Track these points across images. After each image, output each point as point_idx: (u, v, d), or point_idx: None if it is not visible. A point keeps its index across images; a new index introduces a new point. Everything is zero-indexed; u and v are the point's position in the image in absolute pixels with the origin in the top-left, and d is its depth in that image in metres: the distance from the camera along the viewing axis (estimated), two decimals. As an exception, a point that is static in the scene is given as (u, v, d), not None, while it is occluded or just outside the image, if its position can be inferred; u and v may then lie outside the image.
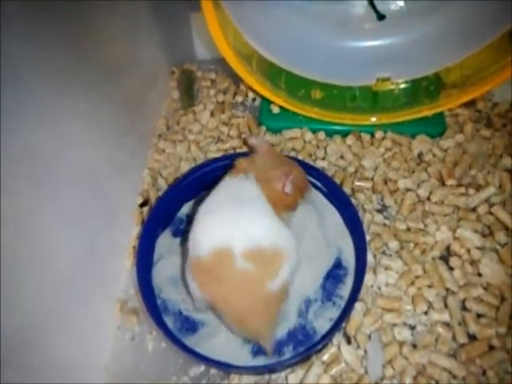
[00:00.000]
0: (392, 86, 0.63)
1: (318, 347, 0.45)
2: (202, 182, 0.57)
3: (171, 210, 0.57)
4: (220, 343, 0.47)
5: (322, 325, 0.47)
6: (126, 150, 0.59)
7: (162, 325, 0.47)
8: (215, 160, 0.58)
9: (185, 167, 0.64)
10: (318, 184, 0.56)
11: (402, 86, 0.63)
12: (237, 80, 0.68)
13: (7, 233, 0.34)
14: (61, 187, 0.42)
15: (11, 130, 0.35)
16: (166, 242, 0.55)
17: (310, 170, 0.55)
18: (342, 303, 0.49)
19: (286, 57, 0.59)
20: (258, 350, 0.46)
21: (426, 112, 0.61)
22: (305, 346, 0.46)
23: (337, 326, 0.46)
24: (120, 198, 0.57)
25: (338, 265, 0.52)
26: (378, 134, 0.63)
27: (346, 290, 0.50)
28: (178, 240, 0.55)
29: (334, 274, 0.51)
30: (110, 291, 0.53)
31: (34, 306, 0.38)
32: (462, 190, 0.56)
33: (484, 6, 0.55)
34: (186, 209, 0.58)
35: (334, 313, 0.48)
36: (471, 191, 0.56)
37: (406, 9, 0.59)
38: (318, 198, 0.56)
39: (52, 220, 0.41)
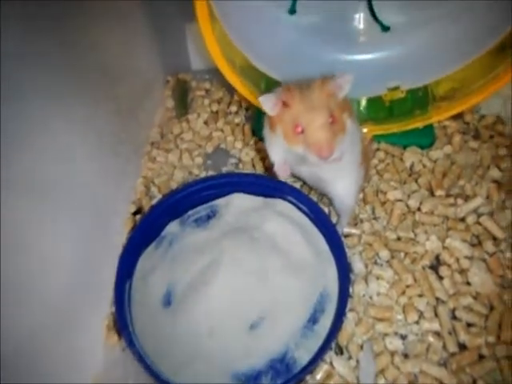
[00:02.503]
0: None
1: (295, 380, 0.45)
2: (187, 201, 0.58)
3: (155, 228, 0.57)
4: (199, 372, 0.46)
5: (302, 355, 0.46)
6: (121, 158, 0.59)
7: (131, 344, 0.47)
8: (201, 180, 0.59)
9: (178, 176, 0.64)
10: (305, 209, 0.56)
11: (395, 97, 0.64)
12: (231, 90, 0.69)
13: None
14: (55, 196, 0.42)
15: (4, 138, 0.35)
16: (149, 259, 0.55)
17: (296, 194, 0.56)
18: (324, 332, 0.47)
19: (282, 69, 0.60)
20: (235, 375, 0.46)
21: (417, 124, 0.62)
22: (283, 377, 0.45)
23: (317, 357, 0.45)
24: (113, 207, 0.57)
25: (321, 291, 0.51)
26: (373, 146, 0.64)
27: (328, 318, 0.48)
28: (162, 258, 0.55)
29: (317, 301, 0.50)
30: (102, 301, 0.53)
31: (26, 320, 0.38)
32: (451, 200, 0.58)
33: (474, 21, 0.57)
34: (171, 227, 0.57)
35: (314, 343, 0.47)
36: (460, 201, 0.57)
37: (401, 22, 0.60)
38: (305, 222, 0.56)
39: (45, 230, 0.41)
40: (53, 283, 0.42)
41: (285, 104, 0.42)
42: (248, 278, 0.50)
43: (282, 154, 0.47)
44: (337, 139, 0.41)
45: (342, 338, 0.48)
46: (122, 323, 0.49)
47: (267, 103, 0.42)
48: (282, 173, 0.49)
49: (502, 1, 0.54)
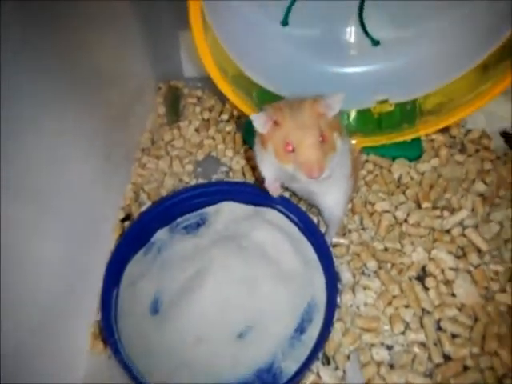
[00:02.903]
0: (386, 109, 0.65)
1: None
2: (177, 208, 0.58)
3: (144, 235, 0.56)
4: (185, 381, 0.46)
5: (289, 365, 0.46)
6: (111, 164, 0.59)
7: (117, 352, 0.47)
8: (191, 188, 0.59)
9: (168, 183, 0.64)
10: (295, 218, 0.57)
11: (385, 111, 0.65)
12: (223, 98, 0.69)
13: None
14: (42, 200, 0.42)
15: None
16: (137, 265, 0.54)
17: (286, 203, 0.57)
18: (311, 342, 0.47)
19: (273, 80, 0.61)
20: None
21: (405, 137, 0.64)
22: None
23: (304, 368, 0.45)
24: (102, 212, 0.57)
25: (308, 301, 0.51)
26: (362, 158, 0.65)
27: (315, 328, 0.48)
28: (150, 265, 0.54)
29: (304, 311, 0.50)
30: (89, 309, 0.52)
31: (10, 325, 0.37)
32: (437, 212, 0.59)
33: (461, 39, 0.58)
34: (160, 234, 0.57)
35: (302, 353, 0.47)
36: (446, 214, 0.58)
37: (390, 37, 0.61)
38: (294, 231, 0.57)
39: (30, 234, 0.40)
40: (37, 289, 0.41)
41: (276, 123, 0.42)
42: (236, 286, 0.50)
43: (273, 170, 0.48)
44: (327, 158, 0.41)
45: (329, 348, 0.48)
46: (107, 331, 0.48)
47: (258, 121, 0.42)
48: (273, 191, 0.50)
49: (487, 19, 0.56)
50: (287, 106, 0.43)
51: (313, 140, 0.40)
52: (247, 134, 0.68)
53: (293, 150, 0.41)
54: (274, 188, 0.50)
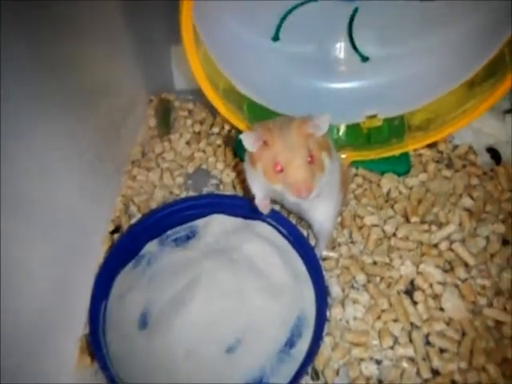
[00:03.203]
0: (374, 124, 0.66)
1: None
2: (167, 221, 0.58)
3: (134, 247, 0.56)
4: None
5: (278, 380, 0.46)
6: (101, 176, 0.58)
7: (104, 367, 0.46)
8: (181, 200, 0.60)
9: (158, 195, 0.64)
10: (284, 232, 0.57)
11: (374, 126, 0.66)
12: (214, 111, 0.69)
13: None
14: (29, 212, 0.42)
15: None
16: (126, 278, 0.54)
17: (276, 216, 0.57)
18: (301, 357, 0.47)
19: (264, 94, 0.62)
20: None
21: (394, 151, 0.64)
22: None
23: (293, 383, 0.45)
24: (91, 225, 0.56)
25: (298, 315, 0.51)
26: (351, 171, 0.65)
27: (305, 342, 0.48)
28: (139, 277, 0.54)
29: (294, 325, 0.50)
30: (77, 322, 0.51)
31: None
32: (426, 226, 0.59)
33: (448, 57, 0.60)
34: (149, 247, 0.57)
35: (291, 367, 0.46)
36: (434, 228, 0.59)
37: (379, 54, 0.62)
38: (284, 245, 0.57)
39: (17, 247, 0.40)
40: (23, 303, 0.41)
41: (265, 143, 0.43)
42: (226, 299, 0.50)
43: (262, 188, 0.48)
44: (315, 178, 0.42)
45: (319, 362, 0.48)
46: (95, 345, 0.47)
47: (248, 140, 0.43)
48: (263, 208, 0.50)
49: (474, 39, 0.57)
50: (276, 126, 0.43)
51: (301, 161, 0.41)
52: (238, 147, 0.69)
53: (281, 171, 0.42)
54: (263, 205, 0.50)
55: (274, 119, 0.45)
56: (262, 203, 0.50)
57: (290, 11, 0.58)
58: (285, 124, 0.43)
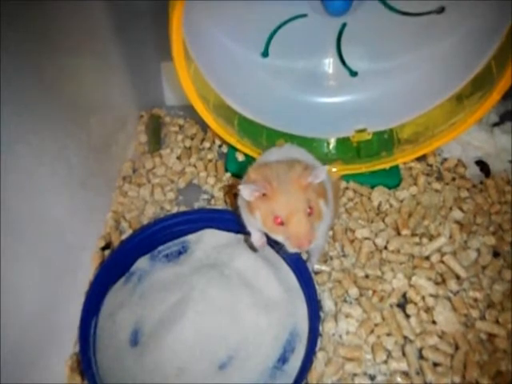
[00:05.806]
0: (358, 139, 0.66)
1: None
2: (158, 236, 0.57)
3: (124, 263, 0.56)
4: None
5: None
6: (91, 192, 0.58)
7: None
8: (172, 216, 0.59)
9: (150, 211, 0.63)
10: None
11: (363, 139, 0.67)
12: (205, 126, 0.70)
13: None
14: (18, 229, 0.41)
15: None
16: (117, 295, 0.53)
17: None
18: (294, 372, 0.46)
19: (254, 109, 0.62)
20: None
21: (383, 165, 0.65)
22: None
23: None
24: (82, 241, 0.56)
25: (290, 330, 0.50)
26: (341, 184, 0.66)
27: (297, 357, 0.48)
28: (130, 294, 0.53)
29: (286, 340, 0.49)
30: (67, 340, 0.50)
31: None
32: (416, 239, 0.59)
33: (435, 72, 0.61)
34: (140, 263, 0.56)
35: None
36: (424, 241, 0.59)
37: (367, 69, 0.63)
38: (276, 259, 0.57)
39: (6, 264, 0.39)
40: (12, 320, 0.40)
41: (265, 195, 0.43)
42: (218, 315, 0.50)
43: (259, 230, 0.48)
44: (314, 227, 0.42)
45: (312, 378, 0.48)
46: (85, 363, 0.46)
47: (246, 192, 0.43)
48: (260, 246, 0.50)
49: (461, 54, 0.58)
50: (274, 176, 0.43)
51: (301, 214, 0.41)
52: (229, 161, 0.69)
53: (282, 223, 0.42)
54: (260, 244, 0.50)
55: (270, 165, 0.45)
56: (260, 242, 0.50)
57: (279, 27, 0.58)
58: (283, 175, 0.43)
